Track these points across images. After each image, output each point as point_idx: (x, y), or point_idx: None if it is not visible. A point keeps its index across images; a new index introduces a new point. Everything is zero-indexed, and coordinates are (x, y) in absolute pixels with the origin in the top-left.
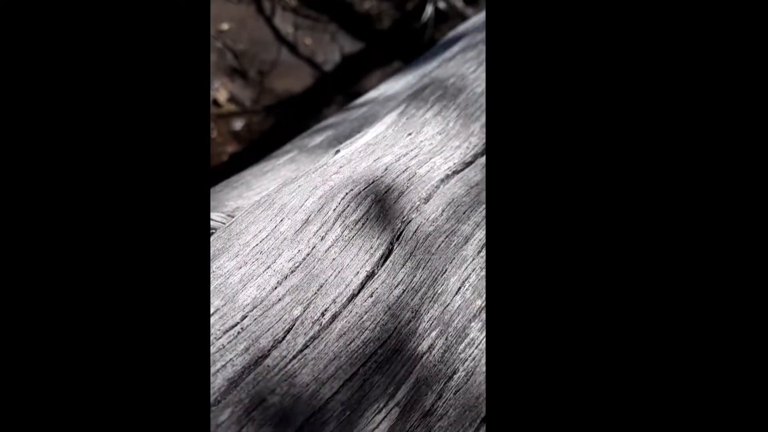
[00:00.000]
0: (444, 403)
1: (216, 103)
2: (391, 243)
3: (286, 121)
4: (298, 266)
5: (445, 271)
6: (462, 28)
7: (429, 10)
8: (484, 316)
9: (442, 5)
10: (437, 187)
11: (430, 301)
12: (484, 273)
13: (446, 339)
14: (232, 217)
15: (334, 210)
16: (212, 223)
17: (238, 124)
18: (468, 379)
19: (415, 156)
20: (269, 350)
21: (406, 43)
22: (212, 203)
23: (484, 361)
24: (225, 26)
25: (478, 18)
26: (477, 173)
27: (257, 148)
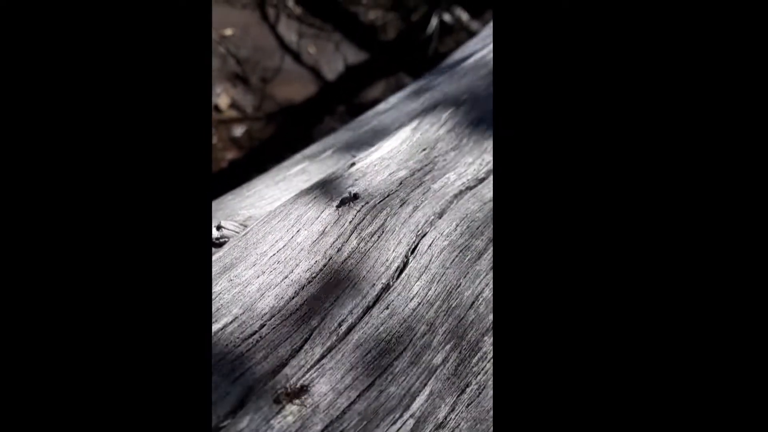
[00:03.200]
0: (456, 416)
1: (217, 108)
2: (407, 256)
3: (287, 130)
4: (315, 277)
5: (459, 285)
6: (473, 43)
7: (434, 22)
8: None
9: (447, 18)
10: (451, 202)
11: (444, 315)
12: None
13: (460, 352)
14: (245, 226)
15: (351, 222)
16: (226, 232)
17: (238, 131)
18: (480, 393)
19: (429, 171)
20: (287, 359)
21: (410, 54)
22: (224, 212)
23: None
24: (228, 32)
25: (489, 33)
26: (490, 189)
27: (257, 156)
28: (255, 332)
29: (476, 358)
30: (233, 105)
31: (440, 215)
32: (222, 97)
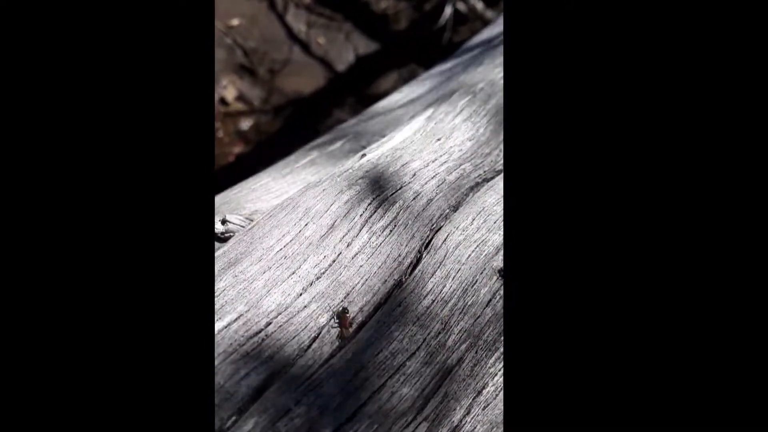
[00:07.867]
0: (472, 419)
1: (223, 101)
2: (420, 251)
3: (295, 123)
4: (323, 273)
5: (476, 282)
6: (488, 31)
7: (448, 11)
8: None
9: (461, 7)
10: (467, 194)
11: (460, 313)
12: None
13: (476, 353)
14: (251, 220)
15: (361, 215)
16: (231, 226)
17: (245, 124)
18: (497, 395)
19: (444, 162)
20: (295, 359)
21: (423, 45)
22: (230, 205)
23: None
24: (235, 22)
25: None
26: None
27: (265, 150)
28: (261, 330)
29: (493, 358)
30: (240, 97)
31: (455, 208)
32: (228, 90)
